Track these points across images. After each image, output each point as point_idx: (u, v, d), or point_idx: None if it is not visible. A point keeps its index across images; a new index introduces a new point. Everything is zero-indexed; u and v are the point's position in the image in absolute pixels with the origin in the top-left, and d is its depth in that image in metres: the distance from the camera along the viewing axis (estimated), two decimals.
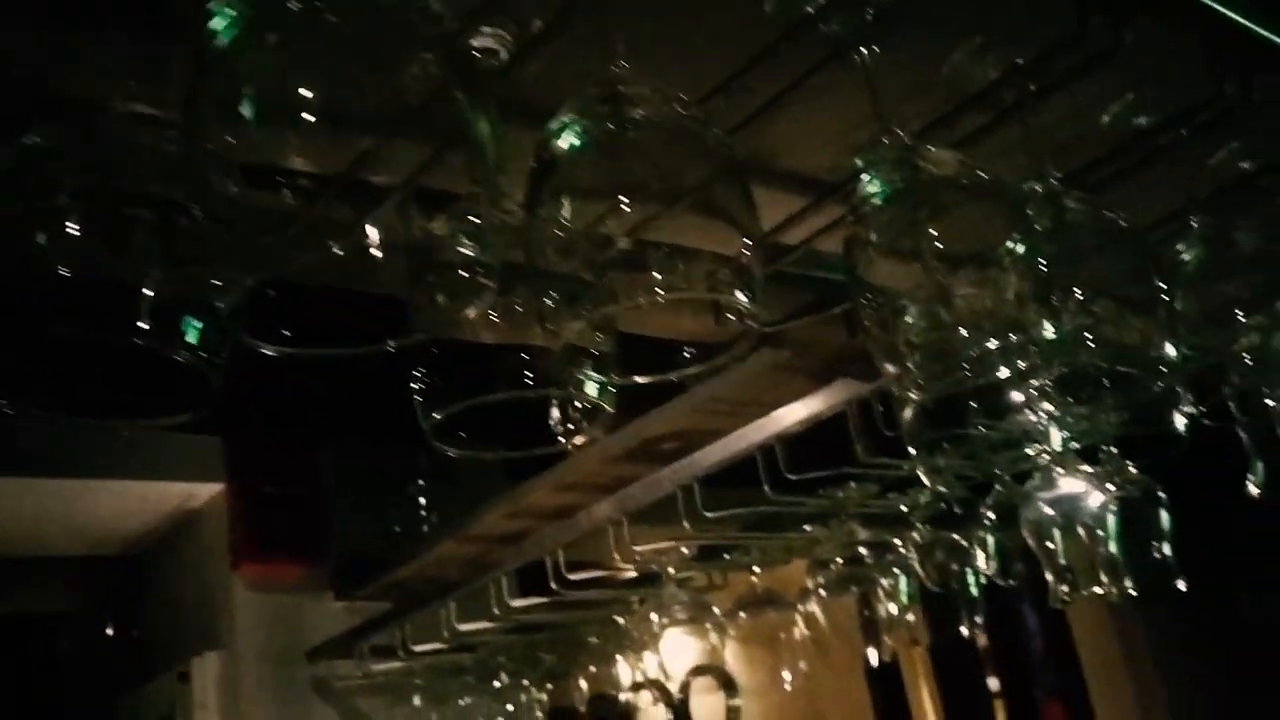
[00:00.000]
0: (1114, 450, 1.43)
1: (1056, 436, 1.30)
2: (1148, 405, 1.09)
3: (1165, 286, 1.02)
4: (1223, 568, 2.33)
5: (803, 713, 3.20)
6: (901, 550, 2.05)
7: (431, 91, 0.64)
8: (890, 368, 0.91)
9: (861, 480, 1.86)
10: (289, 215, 0.62)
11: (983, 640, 2.87)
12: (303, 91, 0.59)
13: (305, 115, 0.59)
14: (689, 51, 0.97)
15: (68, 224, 0.62)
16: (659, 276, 0.72)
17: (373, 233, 0.63)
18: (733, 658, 3.01)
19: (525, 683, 2.80)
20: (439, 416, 0.81)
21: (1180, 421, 1.13)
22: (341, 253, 0.63)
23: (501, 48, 0.89)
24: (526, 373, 0.82)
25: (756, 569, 2.38)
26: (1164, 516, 1.46)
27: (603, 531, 2.00)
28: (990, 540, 1.78)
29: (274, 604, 2.81)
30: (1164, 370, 1.00)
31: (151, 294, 0.64)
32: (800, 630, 2.37)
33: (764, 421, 1.73)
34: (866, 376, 1.55)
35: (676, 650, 2.91)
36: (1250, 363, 1.17)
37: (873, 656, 2.56)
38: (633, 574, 2.33)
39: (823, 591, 2.26)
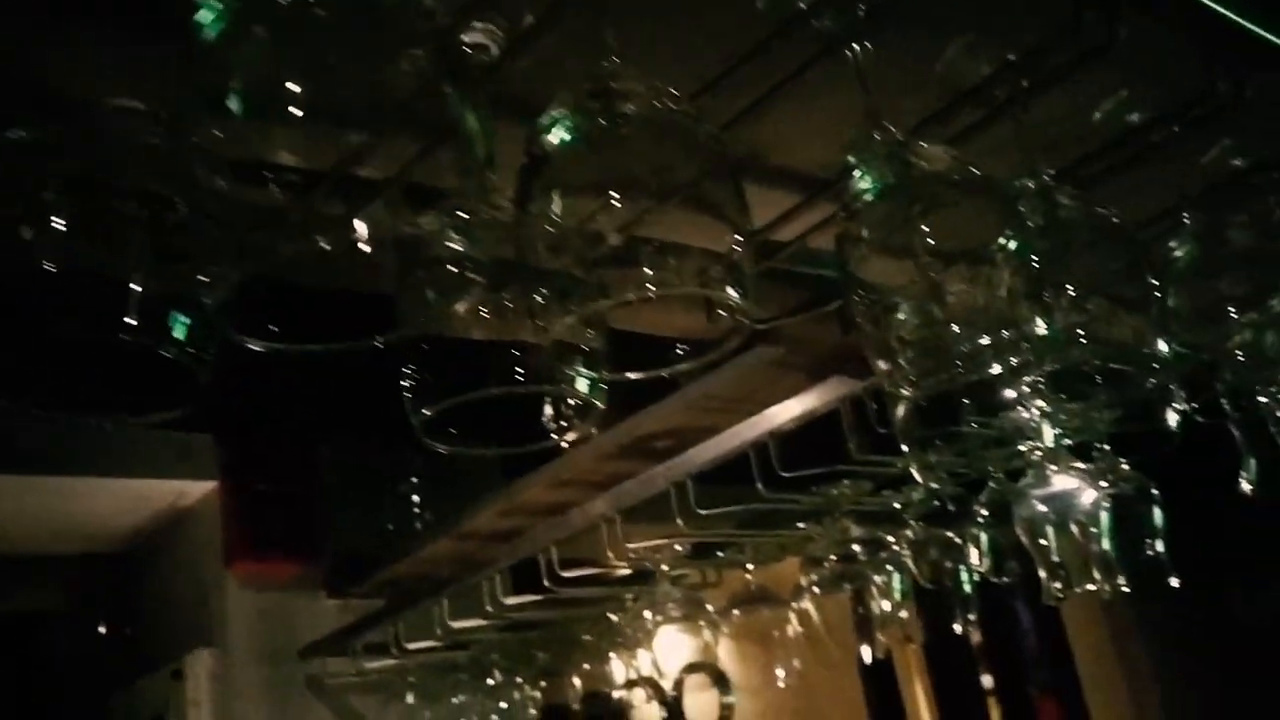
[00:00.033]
0: (1107, 447, 1.43)
1: (1049, 433, 1.30)
2: (1140, 402, 1.09)
3: (1158, 283, 1.02)
4: (1216, 564, 2.33)
5: (796, 710, 3.20)
6: (895, 547, 2.05)
7: (421, 87, 0.64)
8: (883, 364, 0.91)
9: (855, 477, 1.86)
10: (278, 210, 0.61)
11: (976, 637, 2.87)
12: (291, 86, 0.59)
13: (294, 110, 0.58)
14: (681, 47, 0.97)
15: (54, 219, 0.61)
16: (650, 272, 0.72)
17: (361, 228, 0.63)
18: (726, 655, 3.01)
19: (519, 680, 2.80)
20: (429, 413, 0.80)
21: (1173, 418, 1.13)
22: (330, 248, 0.62)
23: (492, 43, 0.89)
24: (517, 369, 0.82)
25: (750, 566, 2.38)
26: (1157, 513, 1.46)
27: (596, 529, 1.99)
28: (983, 537, 1.77)
29: (267, 602, 2.80)
30: (1156, 367, 1.00)
31: (139, 289, 0.63)
32: (794, 627, 2.37)
33: (757, 419, 1.72)
34: (859, 374, 1.54)
35: (670, 647, 2.91)
36: (1242, 360, 1.17)
37: (866, 654, 2.55)
38: (626, 571, 2.33)
39: (816, 589, 2.25)
